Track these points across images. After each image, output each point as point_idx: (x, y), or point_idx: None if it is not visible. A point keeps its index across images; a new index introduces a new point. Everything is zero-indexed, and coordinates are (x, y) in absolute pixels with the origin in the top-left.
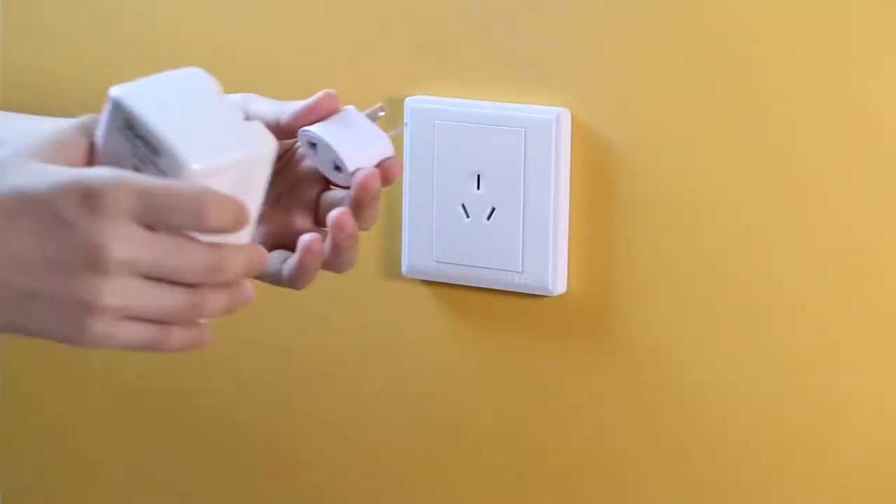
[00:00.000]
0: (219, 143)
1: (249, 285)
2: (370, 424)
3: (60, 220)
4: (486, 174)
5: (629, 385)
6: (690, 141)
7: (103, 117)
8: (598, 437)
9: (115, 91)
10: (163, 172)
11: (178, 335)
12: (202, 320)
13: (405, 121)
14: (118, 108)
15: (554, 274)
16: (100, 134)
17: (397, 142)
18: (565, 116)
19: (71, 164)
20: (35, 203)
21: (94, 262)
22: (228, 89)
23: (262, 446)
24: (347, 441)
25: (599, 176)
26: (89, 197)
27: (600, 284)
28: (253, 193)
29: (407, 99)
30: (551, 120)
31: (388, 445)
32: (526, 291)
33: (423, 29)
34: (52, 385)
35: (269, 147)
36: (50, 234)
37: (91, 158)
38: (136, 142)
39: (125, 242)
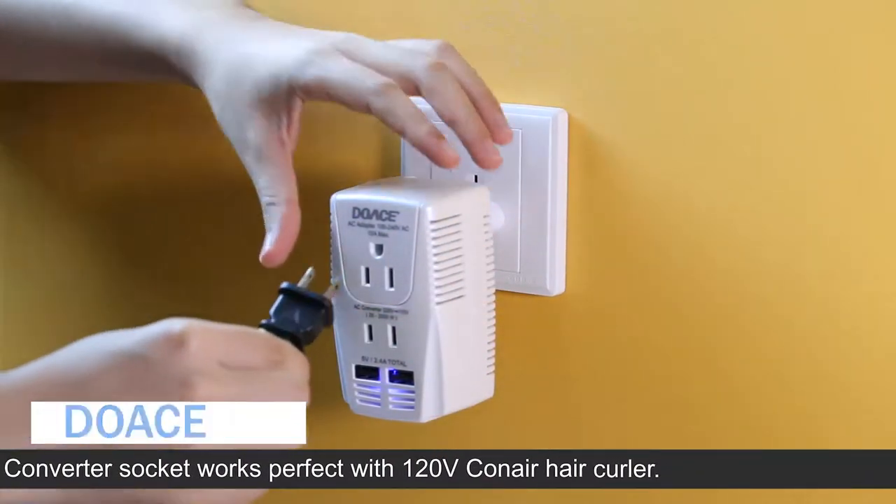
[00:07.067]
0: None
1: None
2: (368, 424)
3: (149, 362)
4: (483, 174)
5: (628, 385)
6: (688, 141)
7: (334, 224)
8: (598, 438)
9: (338, 196)
10: (404, 228)
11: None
12: None
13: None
14: (342, 205)
15: (552, 274)
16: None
17: (396, 142)
18: (562, 117)
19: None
20: (125, 355)
21: (181, 395)
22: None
23: None
24: (346, 440)
25: (597, 176)
26: (174, 341)
27: (598, 285)
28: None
29: None
30: (548, 120)
31: (387, 445)
32: (524, 291)
33: (420, 30)
34: None
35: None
36: (138, 376)
37: None
38: (371, 222)
39: (209, 380)
